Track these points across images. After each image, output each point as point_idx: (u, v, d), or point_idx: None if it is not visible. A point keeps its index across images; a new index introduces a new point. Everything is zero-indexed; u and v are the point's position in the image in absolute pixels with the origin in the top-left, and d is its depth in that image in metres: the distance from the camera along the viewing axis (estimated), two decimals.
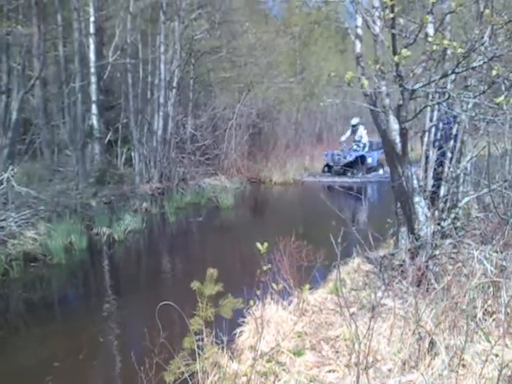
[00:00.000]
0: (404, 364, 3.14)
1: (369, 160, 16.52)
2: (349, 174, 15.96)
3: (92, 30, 12.17)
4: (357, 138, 16.60)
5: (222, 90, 16.57)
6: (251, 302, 3.47)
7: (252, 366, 2.91)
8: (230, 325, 3.48)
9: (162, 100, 12.94)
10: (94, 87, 12.21)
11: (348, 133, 16.85)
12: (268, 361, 3.19)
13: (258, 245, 2.91)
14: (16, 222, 7.40)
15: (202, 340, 3.00)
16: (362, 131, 16.57)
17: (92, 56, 12.16)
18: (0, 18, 8.89)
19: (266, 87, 17.59)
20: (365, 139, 16.57)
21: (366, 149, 16.56)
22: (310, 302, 4.46)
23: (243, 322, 4.02)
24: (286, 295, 4.35)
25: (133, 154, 12.79)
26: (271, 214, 12.02)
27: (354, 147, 16.54)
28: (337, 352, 3.53)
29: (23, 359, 4.33)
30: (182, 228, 10.01)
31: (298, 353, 3.46)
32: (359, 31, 5.00)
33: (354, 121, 16.77)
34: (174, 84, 13.25)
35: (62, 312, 5.67)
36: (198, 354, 2.91)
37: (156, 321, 2.90)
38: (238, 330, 3.93)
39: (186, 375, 2.88)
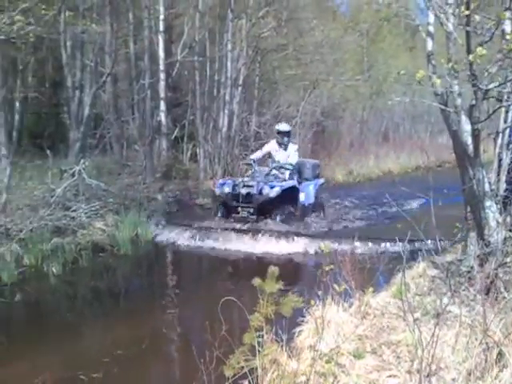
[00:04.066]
0: (469, 374, 3.02)
1: (301, 196, 8.97)
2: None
3: (161, 27, 12.45)
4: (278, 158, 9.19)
5: (287, 87, 16.50)
6: (311, 302, 3.45)
7: (311, 366, 2.89)
8: (290, 323, 3.47)
9: (227, 98, 13.09)
10: (162, 84, 12.50)
11: (266, 149, 9.44)
12: (327, 362, 3.16)
13: (322, 244, 2.89)
14: (86, 213, 7.73)
15: (262, 337, 3.01)
16: (292, 149, 9.23)
17: (161, 53, 12.44)
18: (76, 16, 9.29)
19: (332, 85, 17.38)
20: (294, 159, 9.14)
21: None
22: (371, 305, 4.37)
23: (303, 321, 4.00)
24: (347, 297, 4.30)
25: (198, 150, 13.04)
26: (333, 209, 11.83)
27: (274, 173, 8.92)
28: (398, 357, 3.45)
29: (88, 345, 4.52)
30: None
31: (358, 355, 3.41)
32: (431, 28, 4.84)
33: (283, 127, 9.32)
34: (240, 82, 13.35)
35: (127, 301, 5.88)
36: (258, 350, 2.92)
37: (217, 314, 2.94)
38: (298, 329, 3.91)
39: (246, 370, 2.90)
